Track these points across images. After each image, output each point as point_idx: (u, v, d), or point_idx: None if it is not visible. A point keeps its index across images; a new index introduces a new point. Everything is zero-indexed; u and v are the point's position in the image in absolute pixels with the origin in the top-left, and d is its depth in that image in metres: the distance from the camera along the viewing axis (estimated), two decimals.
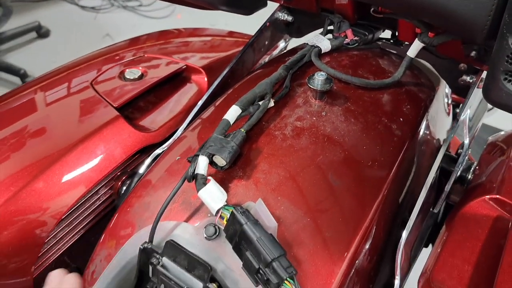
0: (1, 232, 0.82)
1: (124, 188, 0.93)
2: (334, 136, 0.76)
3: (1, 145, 0.88)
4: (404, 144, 0.81)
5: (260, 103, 0.79)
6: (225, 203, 0.64)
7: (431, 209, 0.86)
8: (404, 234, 0.76)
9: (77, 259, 0.92)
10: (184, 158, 0.75)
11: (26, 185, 0.83)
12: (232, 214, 0.62)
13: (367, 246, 0.70)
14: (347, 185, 0.72)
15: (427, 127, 0.91)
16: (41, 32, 3.34)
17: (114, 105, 0.93)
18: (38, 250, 0.84)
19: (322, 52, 0.94)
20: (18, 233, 0.83)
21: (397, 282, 0.73)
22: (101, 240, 0.77)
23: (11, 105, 0.97)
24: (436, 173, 0.83)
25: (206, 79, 1.06)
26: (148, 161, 0.88)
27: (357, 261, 0.68)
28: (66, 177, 0.86)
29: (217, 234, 0.67)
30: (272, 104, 0.80)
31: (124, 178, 0.92)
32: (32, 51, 3.22)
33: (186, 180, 0.68)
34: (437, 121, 0.97)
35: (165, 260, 0.64)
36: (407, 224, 0.77)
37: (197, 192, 0.66)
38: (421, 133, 0.87)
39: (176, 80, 1.07)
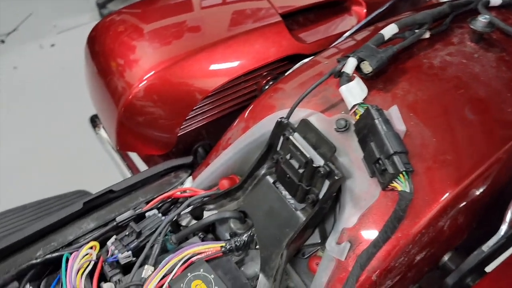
0: (159, 93, 0.97)
1: (267, 87, 1.03)
2: (480, 77, 0.77)
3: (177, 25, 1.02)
4: None
5: (417, 31, 0.82)
6: (363, 101, 0.71)
7: None
8: None
9: (211, 136, 1.05)
10: (332, 64, 0.82)
11: (181, 61, 0.96)
12: (367, 110, 0.68)
13: (484, 184, 0.72)
14: (481, 122, 0.73)
15: None
16: None
17: (279, 12, 1.02)
18: (184, 116, 0.98)
19: (490, 4, 0.93)
20: (172, 97, 0.97)
21: (503, 227, 0.74)
22: (242, 114, 0.88)
23: None
24: None
25: (365, 10, 1.11)
26: (296, 66, 0.96)
27: (470, 192, 0.70)
28: (219, 62, 0.98)
29: (346, 127, 0.73)
30: (427, 35, 0.83)
31: (269, 78, 1.02)
32: None
33: (331, 76, 0.75)
34: None
35: (296, 134, 0.72)
36: None
37: (340, 87, 0.73)
38: None
39: (338, 7, 1.13)
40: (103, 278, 0.79)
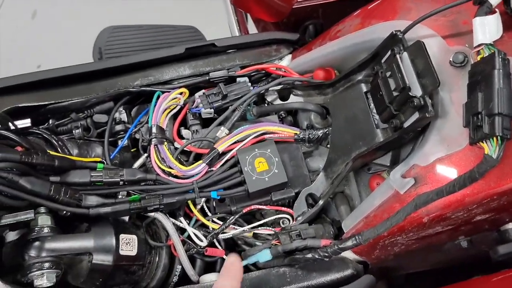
0: None
1: None
2: None
3: None
4: None
5: None
6: (492, 42, 0.62)
7: None
8: None
9: (326, 16, 0.99)
10: None
11: None
12: (491, 54, 0.61)
13: None
14: None
15: None
16: None
17: None
18: None
19: None
20: None
21: None
22: (363, 9, 0.81)
23: None
24: None
25: None
26: None
27: None
28: None
29: (463, 64, 0.67)
30: None
31: None
32: None
33: (470, 3, 0.66)
34: None
35: (405, 54, 0.67)
36: None
37: (474, 17, 0.64)
38: None
39: None
40: (184, 123, 0.86)
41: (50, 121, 0.82)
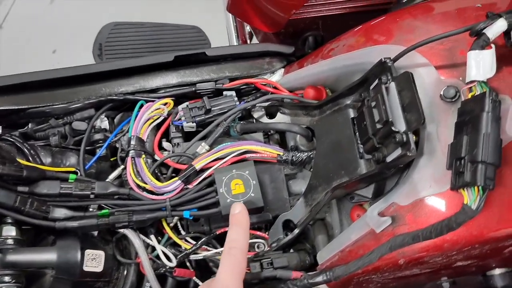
0: None
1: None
2: None
3: None
4: None
5: None
6: (486, 80, 0.57)
7: None
8: None
9: (326, 28, 0.94)
10: (485, 10, 0.66)
11: None
12: (483, 94, 0.56)
13: None
14: None
15: None
16: None
17: None
18: None
19: None
20: None
21: None
22: (361, 28, 0.77)
23: None
24: None
25: None
26: None
27: None
28: None
29: (453, 100, 0.62)
30: None
31: None
32: None
33: (468, 32, 0.61)
34: None
35: (392, 85, 0.63)
36: None
37: (469, 50, 0.59)
38: None
39: None
40: (166, 135, 0.84)
41: (30, 125, 0.80)
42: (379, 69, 0.65)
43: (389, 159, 0.63)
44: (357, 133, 0.71)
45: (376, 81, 0.66)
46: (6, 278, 0.65)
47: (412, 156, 0.59)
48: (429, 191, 0.61)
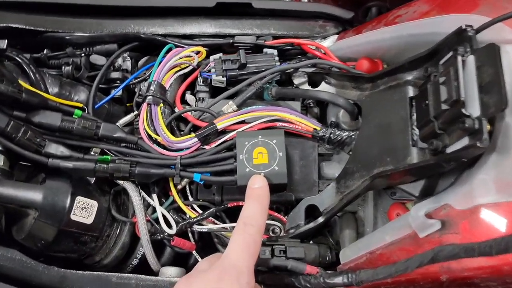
0: None
1: None
2: None
3: None
4: None
5: None
6: None
7: None
8: None
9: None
10: None
11: None
12: None
13: None
14: None
15: None
16: None
17: None
18: None
19: None
20: None
21: None
22: None
23: None
24: None
25: None
26: None
27: None
28: None
29: None
30: None
31: None
32: None
33: None
34: None
35: (471, 58, 0.50)
36: None
37: None
38: None
39: None
40: (191, 88, 0.74)
41: (45, 51, 0.72)
42: (455, 38, 0.53)
43: (450, 149, 0.51)
44: (413, 116, 0.58)
45: (450, 54, 0.53)
46: None
47: (482, 149, 0.46)
48: (495, 197, 0.48)
